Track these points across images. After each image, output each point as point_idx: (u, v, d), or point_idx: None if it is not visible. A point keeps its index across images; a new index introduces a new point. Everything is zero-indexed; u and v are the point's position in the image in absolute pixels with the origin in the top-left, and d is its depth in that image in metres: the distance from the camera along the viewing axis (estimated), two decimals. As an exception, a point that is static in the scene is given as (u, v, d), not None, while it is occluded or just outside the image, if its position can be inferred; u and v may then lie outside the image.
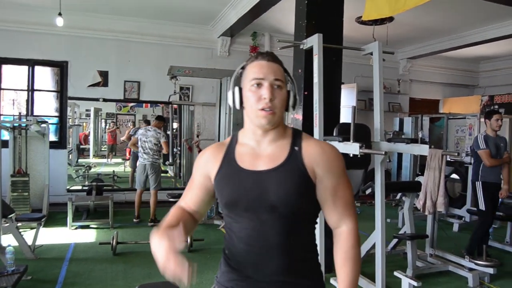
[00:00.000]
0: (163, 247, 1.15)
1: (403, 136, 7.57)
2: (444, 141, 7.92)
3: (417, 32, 7.68)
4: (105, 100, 7.20)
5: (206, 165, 1.42)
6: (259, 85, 1.31)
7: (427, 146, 3.34)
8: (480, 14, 6.57)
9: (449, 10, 6.42)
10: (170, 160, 7.99)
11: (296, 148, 1.36)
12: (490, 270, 4.06)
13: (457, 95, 10.19)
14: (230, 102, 1.41)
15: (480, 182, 4.62)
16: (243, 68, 1.39)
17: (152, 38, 7.32)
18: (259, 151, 1.37)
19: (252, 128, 1.37)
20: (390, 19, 6.43)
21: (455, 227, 6.40)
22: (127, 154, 9.77)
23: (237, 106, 1.37)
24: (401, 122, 8.30)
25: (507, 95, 8.49)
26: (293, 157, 1.35)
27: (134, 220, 6.09)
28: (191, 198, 1.46)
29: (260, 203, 1.30)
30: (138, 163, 6.21)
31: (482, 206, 4.59)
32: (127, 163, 10.36)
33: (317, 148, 1.36)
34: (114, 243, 4.64)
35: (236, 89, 1.37)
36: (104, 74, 7.16)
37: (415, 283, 3.21)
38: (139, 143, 6.09)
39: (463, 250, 4.55)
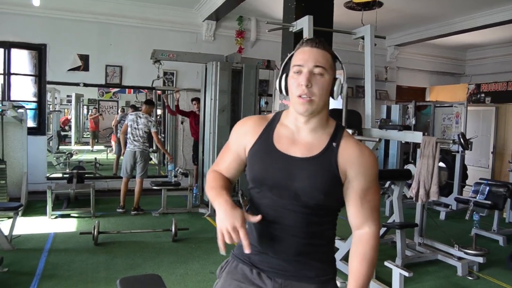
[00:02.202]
0: (238, 216, 1.27)
1: (390, 123, 7.51)
2: (431, 129, 7.90)
3: (405, 19, 7.58)
4: (85, 85, 6.94)
5: (245, 136, 1.44)
6: (299, 72, 1.31)
7: (421, 133, 3.24)
8: (468, 2, 6.49)
9: (437, -3, 6.32)
10: (154, 147, 7.80)
11: (334, 144, 1.36)
12: (479, 259, 4.02)
13: (443, 83, 10.18)
14: (277, 88, 1.44)
15: None
16: (292, 55, 1.38)
17: (135, 21, 7.06)
18: (298, 137, 1.38)
19: (295, 114, 1.37)
20: (379, 4, 6.32)
21: (442, 215, 6.39)
22: (112, 140, 9.55)
23: (284, 92, 1.40)
24: (388, 110, 8.24)
25: (494, 84, 8.49)
26: (329, 152, 1.35)
27: (119, 209, 5.91)
28: (225, 166, 1.50)
29: (285, 187, 1.33)
30: (126, 149, 5.99)
31: None
32: (111, 149, 10.16)
33: (355, 150, 1.36)
34: (95, 232, 4.49)
35: (284, 76, 1.39)
36: (84, 58, 6.90)
37: (406, 274, 3.14)
38: (129, 129, 5.89)
39: None
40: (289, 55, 1.41)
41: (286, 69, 1.41)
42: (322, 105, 1.33)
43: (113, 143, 9.44)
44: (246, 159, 1.45)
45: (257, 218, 1.32)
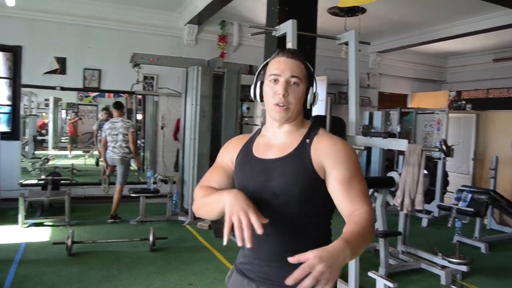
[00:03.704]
0: (249, 203, 1.21)
1: (373, 130, 7.49)
2: (412, 136, 7.90)
3: (388, 26, 7.59)
4: (62, 88, 6.73)
5: (231, 152, 1.50)
6: (276, 81, 1.37)
7: (406, 141, 3.18)
8: (448, 10, 6.55)
9: (420, 4, 6.34)
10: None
11: (307, 140, 1.39)
12: (463, 268, 3.98)
13: (425, 90, 10.24)
14: (252, 95, 1.49)
15: None
16: (267, 63, 1.43)
17: (115, 23, 6.90)
18: (274, 141, 1.43)
19: (270, 120, 1.44)
20: (363, 10, 6.32)
21: (424, 222, 6.37)
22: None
23: (258, 99, 1.45)
24: (371, 116, 8.23)
25: (474, 91, 8.56)
26: (301, 149, 1.37)
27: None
28: (215, 181, 1.49)
29: (264, 189, 1.35)
30: (106, 156, 5.84)
31: None
32: (90, 154, 9.91)
33: (327, 142, 1.37)
34: (69, 242, 4.31)
35: (258, 83, 1.45)
36: (61, 61, 6.69)
37: (391, 284, 3.06)
38: (108, 137, 5.73)
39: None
40: (263, 64, 1.46)
41: (259, 77, 1.46)
42: (296, 112, 1.40)
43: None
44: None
45: (266, 220, 1.23)
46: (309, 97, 1.41)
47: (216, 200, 1.31)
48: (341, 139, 1.41)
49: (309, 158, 1.34)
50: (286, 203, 1.33)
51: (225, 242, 1.17)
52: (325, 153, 1.34)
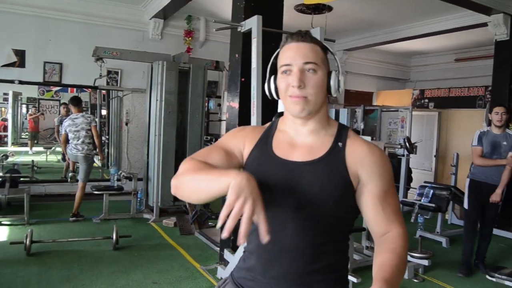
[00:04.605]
0: (261, 204, 0.97)
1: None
2: (377, 133, 8.06)
3: (354, 24, 7.69)
4: (21, 82, 6.47)
5: (244, 139, 1.27)
6: (288, 71, 1.17)
7: (369, 138, 3.22)
8: (412, 10, 6.68)
9: (385, 4, 6.45)
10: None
11: (340, 144, 1.20)
12: (425, 262, 4.07)
13: (390, 88, 10.46)
14: (267, 93, 1.30)
15: (468, 179, 4.30)
16: (278, 54, 1.23)
17: (77, 16, 6.67)
18: (297, 141, 1.23)
19: (291, 117, 1.23)
20: (329, 8, 6.36)
21: (388, 218, 6.48)
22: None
23: (275, 96, 1.27)
24: (337, 113, 8.33)
25: (437, 90, 8.80)
26: (335, 153, 1.18)
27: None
28: (214, 157, 1.20)
29: (286, 197, 1.15)
30: (69, 153, 5.65)
31: (465, 204, 4.29)
32: (51, 150, 9.62)
33: (364, 148, 1.19)
34: (27, 242, 4.15)
35: (272, 78, 1.27)
36: (20, 54, 6.42)
37: (354, 279, 3.09)
38: (70, 134, 5.54)
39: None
40: (274, 54, 1.27)
41: (272, 71, 1.28)
42: (319, 103, 1.19)
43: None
44: (239, 164, 1.25)
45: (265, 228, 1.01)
46: (332, 82, 1.20)
47: (216, 177, 1.02)
48: (376, 146, 1.25)
49: (345, 165, 1.16)
50: (312, 216, 1.14)
51: (219, 224, 0.96)
52: (363, 162, 1.16)
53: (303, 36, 1.18)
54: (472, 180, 4.28)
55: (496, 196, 4.07)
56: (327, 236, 1.17)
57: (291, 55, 1.17)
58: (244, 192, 0.94)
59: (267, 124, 1.33)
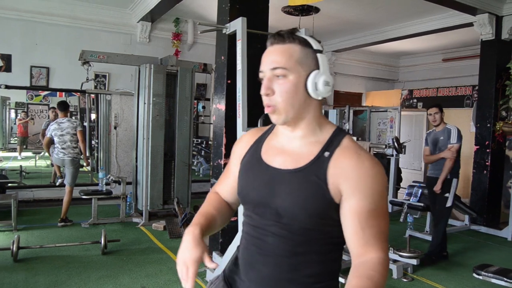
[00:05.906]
0: (193, 254, 1.11)
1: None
2: (367, 133, 8.09)
3: (342, 25, 7.71)
4: (7, 87, 6.41)
5: (241, 151, 1.29)
6: (263, 79, 1.14)
7: (355, 138, 3.22)
8: (400, 10, 6.72)
9: (372, 5, 6.48)
10: (88, 154, 7.39)
11: (327, 153, 1.11)
12: (414, 261, 4.09)
13: (379, 89, 10.50)
14: None
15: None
16: None
17: (63, 19, 6.63)
18: (288, 146, 1.18)
19: None
20: (316, 10, 6.38)
21: (377, 218, 6.49)
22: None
23: None
24: (326, 114, 8.33)
25: (425, 90, 8.85)
26: (318, 163, 1.10)
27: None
28: (224, 190, 1.34)
29: (266, 204, 1.14)
30: (54, 157, 5.60)
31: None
32: (41, 155, 9.50)
33: (352, 160, 1.08)
34: (14, 248, 4.10)
35: None
36: (6, 58, 6.37)
37: (342, 280, 3.09)
38: (55, 138, 5.49)
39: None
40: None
41: None
42: (296, 109, 1.11)
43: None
44: None
45: (213, 265, 1.11)
46: (308, 84, 1.09)
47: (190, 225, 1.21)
48: (371, 157, 1.11)
49: (325, 178, 1.08)
50: (289, 226, 1.10)
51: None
52: (347, 175, 1.06)
53: (276, 38, 1.12)
54: (428, 177, 4.71)
55: (436, 187, 4.42)
56: (310, 246, 1.12)
57: (263, 61, 1.14)
58: (180, 258, 1.13)
59: (268, 126, 1.31)
